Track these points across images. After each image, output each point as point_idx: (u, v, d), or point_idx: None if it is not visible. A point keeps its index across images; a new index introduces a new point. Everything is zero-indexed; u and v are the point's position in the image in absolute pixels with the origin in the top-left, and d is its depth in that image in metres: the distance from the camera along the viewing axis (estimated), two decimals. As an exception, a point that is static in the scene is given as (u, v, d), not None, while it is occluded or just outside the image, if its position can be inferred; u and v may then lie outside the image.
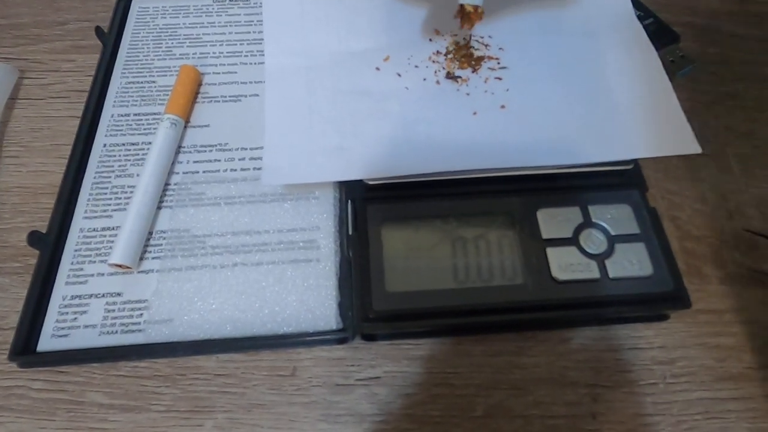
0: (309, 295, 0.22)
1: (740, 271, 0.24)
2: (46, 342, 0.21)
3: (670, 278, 0.21)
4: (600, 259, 0.22)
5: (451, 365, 0.22)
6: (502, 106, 0.25)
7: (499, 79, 0.26)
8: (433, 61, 0.27)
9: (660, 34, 0.28)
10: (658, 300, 0.21)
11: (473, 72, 0.27)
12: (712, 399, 0.21)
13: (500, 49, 0.28)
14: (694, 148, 0.23)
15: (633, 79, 0.26)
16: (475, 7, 0.24)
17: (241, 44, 0.30)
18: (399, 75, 0.27)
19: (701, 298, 0.23)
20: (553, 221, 0.22)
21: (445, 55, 0.27)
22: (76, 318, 0.22)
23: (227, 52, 0.30)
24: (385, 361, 0.22)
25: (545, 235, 0.22)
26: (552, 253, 0.22)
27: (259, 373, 0.22)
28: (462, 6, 0.25)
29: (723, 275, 0.24)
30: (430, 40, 0.28)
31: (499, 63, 0.27)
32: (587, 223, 0.22)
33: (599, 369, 0.22)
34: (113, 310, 0.22)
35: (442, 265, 0.22)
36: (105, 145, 0.26)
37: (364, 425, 0.21)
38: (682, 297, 0.21)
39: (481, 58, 0.27)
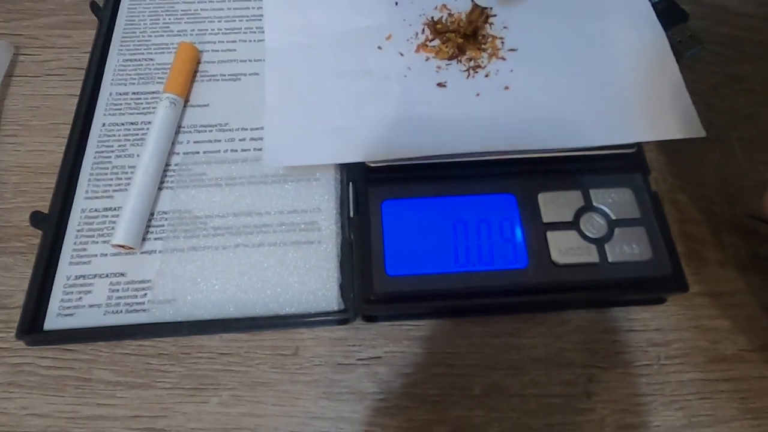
0: (310, 277, 0.23)
1: (739, 255, 0.24)
2: (53, 321, 0.22)
3: (669, 262, 0.22)
4: (600, 243, 0.22)
5: (450, 346, 0.22)
6: (506, 87, 0.25)
7: (503, 59, 0.26)
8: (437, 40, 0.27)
9: (669, 13, 0.28)
10: (656, 284, 0.22)
11: (477, 51, 0.26)
12: (705, 380, 0.22)
13: (504, 27, 0.27)
14: (699, 132, 0.23)
15: (640, 61, 0.26)
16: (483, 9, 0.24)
17: (240, 20, 0.29)
18: (401, 54, 0.26)
19: (699, 281, 0.23)
20: (554, 205, 0.22)
21: (449, 33, 0.27)
22: (81, 297, 0.22)
23: (226, 29, 0.29)
24: (385, 341, 0.22)
25: (546, 219, 0.22)
26: (552, 236, 0.22)
27: (261, 353, 0.22)
28: (475, 5, 0.24)
29: (722, 259, 0.24)
30: (433, 17, 0.27)
31: (503, 42, 0.26)
32: (588, 207, 0.22)
33: (595, 350, 0.22)
34: (117, 290, 0.22)
35: (442, 247, 0.22)
36: (104, 125, 0.26)
37: (365, 403, 0.21)
38: (680, 281, 0.21)
39: (485, 38, 0.26)
